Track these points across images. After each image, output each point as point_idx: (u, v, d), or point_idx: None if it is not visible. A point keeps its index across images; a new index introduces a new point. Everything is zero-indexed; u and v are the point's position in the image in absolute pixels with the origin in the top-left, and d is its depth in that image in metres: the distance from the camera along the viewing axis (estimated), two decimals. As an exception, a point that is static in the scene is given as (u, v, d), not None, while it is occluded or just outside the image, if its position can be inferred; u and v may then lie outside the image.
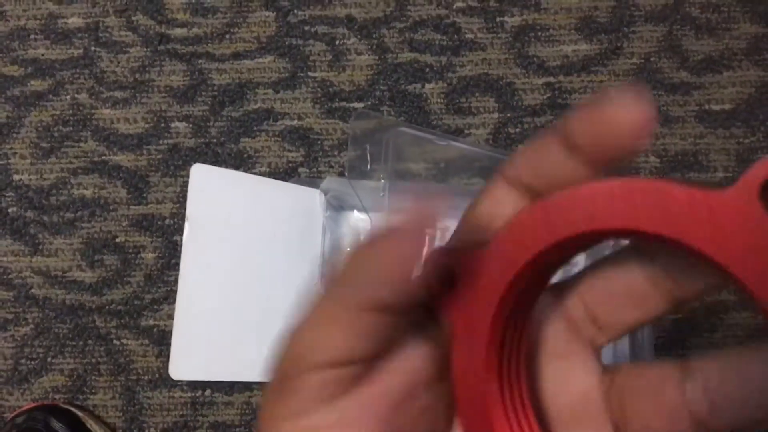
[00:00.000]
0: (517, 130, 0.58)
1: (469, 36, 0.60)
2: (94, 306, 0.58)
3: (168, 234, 0.58)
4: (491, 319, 0.19)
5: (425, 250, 0.18)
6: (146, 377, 0.57)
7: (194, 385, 0.56)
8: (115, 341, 0.57)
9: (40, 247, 0.59)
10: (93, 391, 0.57)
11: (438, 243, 0.20)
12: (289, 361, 0.19)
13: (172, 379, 0.56)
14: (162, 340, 0.57)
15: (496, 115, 0.59)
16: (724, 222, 0.16)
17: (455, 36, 0.60)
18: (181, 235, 0.57)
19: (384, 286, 0.18)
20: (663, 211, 0.17)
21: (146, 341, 0.57)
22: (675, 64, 0.58)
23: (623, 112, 0.17)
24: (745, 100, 0.58)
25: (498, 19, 0.60)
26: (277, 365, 0.19)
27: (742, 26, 0.58)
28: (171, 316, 0.56)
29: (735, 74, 0.58)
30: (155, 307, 0.57)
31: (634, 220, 0.17)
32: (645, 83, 0.58)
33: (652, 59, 0.59)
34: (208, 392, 0.56)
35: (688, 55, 0.58)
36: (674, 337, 0.55)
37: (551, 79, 0.59)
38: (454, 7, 0.60)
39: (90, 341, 0.57)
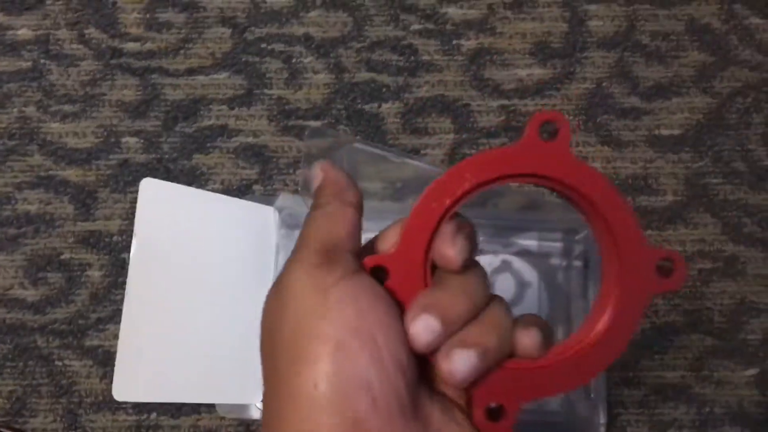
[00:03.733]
0: (473, 150, 0.58)
1: (426, 58, 0.60)
2: (36, 325, 0.56)
3: (116, 251, 0.57)
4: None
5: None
6: (89, 399, 0.55)
7: (139, 408, 0.54)
8: (57, 362, 0.55)
9: (-19, 263, 0.56)
10: (33, 413, 0.55)
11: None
12: (331, 245, 0.29)
13: (116, 402, 0.54)
14: (107, 361, 0.55)
15: (451, 135, 0.59)
16: (530, 153, 0.29)
17: (412, 57, 0.60)
18: (129, 252, 0.55)
19: (349, 193, 0.31)
20: (500, 162, 0.29)
21: (90, 362, 0.55)
22: (626, 89, 0.60)
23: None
24: (693, 126, 0.59)
25: (454, 42, 0.60)
26: (316, 249, 0.29)
27: (691, 54, 0.60)
28: (117, 337, 0.54)
29: (684, 100, 0.59)
30: (100, 326, 0.56)
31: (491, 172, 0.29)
32: (596, 107, 0.59)
33: (604, 84, 0.60)
34: (153, 415, 0.55)
35: (639, 81, 0.60)
36: (625, 359, 0.56)
37: (506, 101, 0.59)
38: (411, 29, 0.61)
39: (31, 362, 0.55)
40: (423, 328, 0.28)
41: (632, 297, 0.29)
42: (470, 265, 0.30)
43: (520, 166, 0.29)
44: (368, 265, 0.29)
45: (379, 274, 0.29)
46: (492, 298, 0.30)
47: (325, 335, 0.27)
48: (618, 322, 0.30)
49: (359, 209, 0.31)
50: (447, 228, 0.29)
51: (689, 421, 0.55)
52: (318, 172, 0.32)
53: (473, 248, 0.30)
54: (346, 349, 0.26)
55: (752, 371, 0.55)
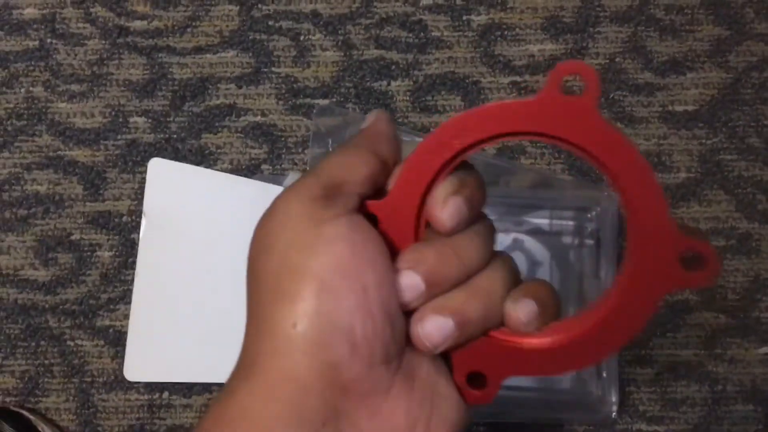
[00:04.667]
0: (483, 128, 0.58)
1: (436, 34, 0.59)
2: (47, 306, 0.56)
3: (125, 232, 0.57)
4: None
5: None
6: (101, 379, 0.55)
7: (151, 387, 0.55)
8: (68, 342, 0.55)
9: (-9, 244, 0.56)
10: (45, 393, 0.55)
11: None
12: (338, 182, 0.26)
13: (128, 381, 0.54)
14: (118, 340, 0.55)
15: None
16: (548, 110, 0.25)
17: (422, 34, 0.59)
18: (139, 232, 0.55)
19: (384, 146, 0.28)
20: (514, 116, 0.26)
21: (101, 342, 0.55)
22: (639, 65, 0.59)
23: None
24: (708, 102, 0.58)
25: (465, 18, 0.59)
26: (321, 182, 0.26)
27: (706, 28, 0.59)
28: (127, 317, 0.54)
29: (698, 76, 0.58)
30: (111, 306, 0.56)
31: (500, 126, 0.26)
32: (609, 83, 0.58)
33: (617, 60, 0.59)
34: (165, 395, 0.55)
35: (653, 56, 0.59)
36: (638, 336, 0.55)
37: (517, 78, 0.59)
38: (421, 4, 0.60)
39: (43, 342, 0.55)
40: (405, 284, 0.26)
41: (644, 289, 0.25)
42: (472, 222, 0.27)
43: (534, 123, 0.25)
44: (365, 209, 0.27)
45: (374, 219, 0.27)
46: (494, 258, 0.28)
47: (310, 272, 0.25)
48: (622, 313, 0.26)
49: (385, 165, 0.28)
50: (442, 187, 0.27)
51: (701, 399, 0.55)
52: (369, 118, 0.29)
53: (474, 208, 0.27)
54: (331, 289, 0.25)
55: (765, 349, 0.55)
